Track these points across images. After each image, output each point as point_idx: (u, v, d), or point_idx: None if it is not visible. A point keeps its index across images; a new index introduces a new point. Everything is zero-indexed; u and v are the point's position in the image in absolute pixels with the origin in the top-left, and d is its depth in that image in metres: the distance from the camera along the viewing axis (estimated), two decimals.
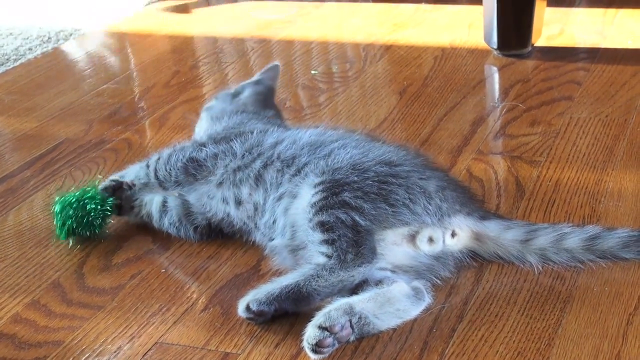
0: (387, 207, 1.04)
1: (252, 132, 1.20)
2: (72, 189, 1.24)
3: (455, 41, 1.93)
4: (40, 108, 1.75)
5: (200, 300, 1.07)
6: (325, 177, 1.07)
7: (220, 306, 1.06)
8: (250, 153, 1.16)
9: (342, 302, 0.96)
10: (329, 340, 0.92)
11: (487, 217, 1.10)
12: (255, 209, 1.14)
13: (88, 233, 1.21)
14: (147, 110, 1.70)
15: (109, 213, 1.22)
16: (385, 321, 0.97)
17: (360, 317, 0.95)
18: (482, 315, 1.01)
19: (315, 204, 1.05)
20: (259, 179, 1.14)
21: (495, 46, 1.80)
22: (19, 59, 2.04)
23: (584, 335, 0.96)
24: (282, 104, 1.68)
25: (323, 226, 1.03)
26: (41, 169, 1.47)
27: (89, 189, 1.22)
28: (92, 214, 1.19)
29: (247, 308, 0.99)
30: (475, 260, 1.08)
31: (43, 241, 1.23)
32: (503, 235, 1.08)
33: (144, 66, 1.97)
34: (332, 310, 0.95)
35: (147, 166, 1.23)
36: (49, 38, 2.16)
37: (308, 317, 1.00)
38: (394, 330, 0.99)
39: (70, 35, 2.18)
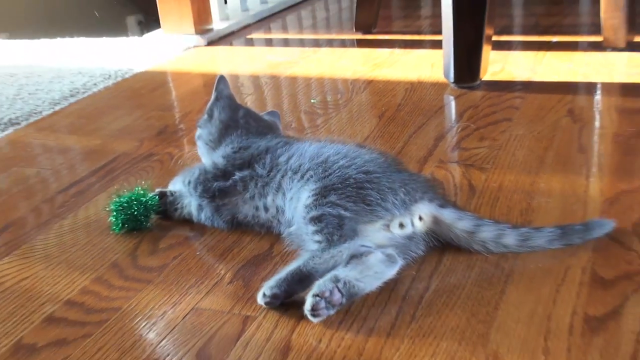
0: (364, 206, 1.04)
1: (265, 152, 1.18)
2: (125, 191, 1.22)
3: (421, 77, 1.93)
4: (102, 129, 1.74)
5: (226, 275, 1.07)
6: (319, 184, 1.07)
7: (242, 280, 1.05)
8: (271, 171, 1.15)
9: (329, 274, 0.95)
10: (322, 303, 0.92)
11: (446, 205, 1.08)
12: (277, 210, 1.14)
13: (135, 227, 1.20)
14: (185, 130, 1.70)
15: (151, 212, 1.21)
16: (368, 283, 0.96)
17: (345, 283, 0.94)
18: (444, 285, 1.00)
19: (308, 205, 1.06)
20: (279, 187, 1.13)
21: (452, 80, 1.80)
22: (87, 92, 2.03)
23: (522, 301, 0.95)
24: (288, 125, 1.67)
25: (314, 220, 1.03)
26: (103, 176, 1.46)
27: (138, 193, 1.21)
28: (136, 212, 1.19)
29: (263, 295, 0.97)
30: (439, 241, 1.07)
31: (105, 231, 1.23)
32: (455, 224, 1.06)
33: (183, 97, 1.97)
34: (322, 281, 0.94)
35: (189, 183, 1.21)
36: (110, 76, 2.15)
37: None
38: (376, 297, 0.98)
39: (126, 73, 2.18)
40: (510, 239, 1.05)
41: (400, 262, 1.00)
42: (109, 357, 0.91)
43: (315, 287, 0.94)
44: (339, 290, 0.93)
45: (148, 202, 1.21)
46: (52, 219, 1.29)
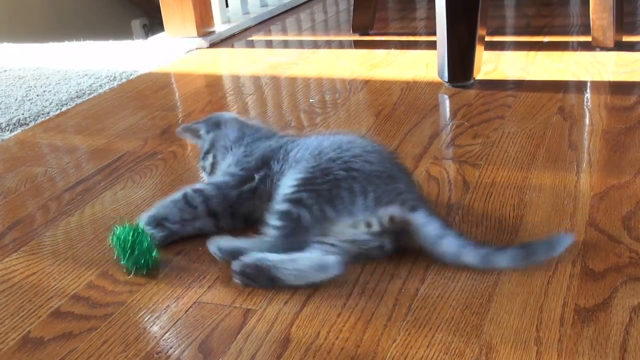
0: (330, 210, 1.00)
1: (278, 149, 1.15)
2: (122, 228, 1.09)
3: (417, 76, 1.92)
4: (108, 129, 1.74)
5: (227, 272, 1.06)
6: (302, 175, 1.04)
7: None
8: (283, 166, 1.12)
9: (262, 255, 0.99)
10: (238, 277, 0.99)
11: (417, 209, 1.01)
12: None
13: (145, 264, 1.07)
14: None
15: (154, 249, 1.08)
16: (286, 276, 0.98)
17: (263, 265, 0.98)
18: (439, 278, 1.00)
19: (284, 194, 1.03)
20: (283, 175, 1.11)
21: (446, 79, 1.79)
22: (92, 93, 2.03)
23: (515, 293, 0.95)
24: (288, 124, 1.67)
25: (278, 213, 1.02)
26: (109, 174, 1.46)
27: (136, 233, 1.06)
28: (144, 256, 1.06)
29: (214, 247, 1.05)
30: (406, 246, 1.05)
31: (111, 228, 1.21)
32: (421, 229, 1.00)
33: (185, 97, 1.96)
34: (246, 257, 1.00)
35: (189, 204, 1.13)
36: (115, 77, 2.15)
37: (310, 286, 0.99)
38: (373, 289, 0.98)
39: (131, 75, 2.17)
40: (470, 257, 0.99)
41: (333, 273, 0.98)
42: (114, 350, 0.90)
43: (240, 265, 0.99)
44: (257, 267, 0.98)
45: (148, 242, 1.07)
46: (60, 216, 1.29)
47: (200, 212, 1.13)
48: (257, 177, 1.13)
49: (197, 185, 1.16)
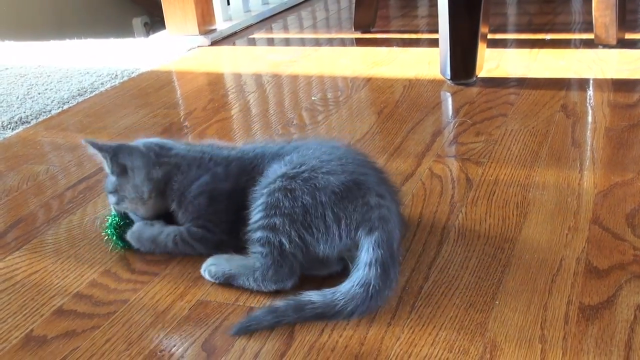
0: (308, 235, 0.96)
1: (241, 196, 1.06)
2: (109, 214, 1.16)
3: (419, 74, 1.92)
4: (109, 127, 1.73)
5: None
6: (265, 198, 0.98)
7: None
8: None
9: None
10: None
11: (374, 231, 0.95)
12: None
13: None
14: (190, 127, 1.69)
15: None
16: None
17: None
18: (443, 276, 0.99)
19: (255, 222, 0.98)
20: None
21: (448, 77, 1.79)
22: (94, 91, 2.02)
23: (519, 291, 0.95)
24: (290, 122, 1.66)
25: (258, 241, 0.97)
26: None
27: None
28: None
29: (205, 272, 1.02)
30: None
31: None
32: (360, 251, 0.95)
33: (187, 95, 1.96)
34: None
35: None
36: (116, 75, 2.14)
37: (311, 282, 0.99)
38: None
39: (132, 73, 2.17)
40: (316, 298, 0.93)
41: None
42: (117, 348, 0.90)
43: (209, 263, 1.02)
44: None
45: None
46: (62, 214, 1.28)
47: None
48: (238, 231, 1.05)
49: (184, 234, 1.08)
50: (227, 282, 1.00)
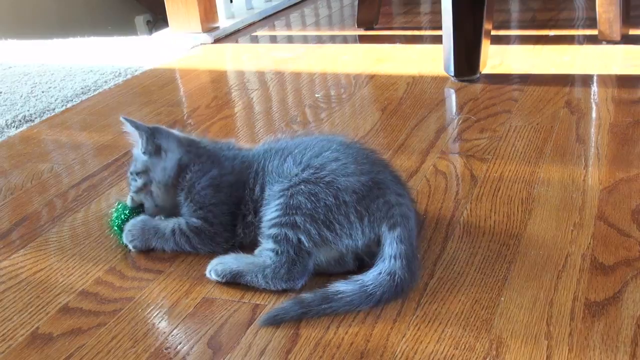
0: (329, 233, 0.97)
1: (241, 190, 1.09)
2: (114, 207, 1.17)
3: (422, 71, 1.92)
4: (113, 125, 1.73)
5: None
6: (283, 200, 0.99)
7: None
8: (254, 207, 1.08)
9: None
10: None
11: (396, 227, 0.97)
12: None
13: None
14: (194, 125, 1.69)
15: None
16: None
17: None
18: (448, 273, 0.99)
19: (272, 219, 0.99)
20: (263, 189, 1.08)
21: (452, 74, 1.79)
22: (98, 89, 2.02)
23: (524, 287, 0.95)
24: (294, 119, 1.66)
25: (273, 238, 0.98)
26: (115, 170, 1.46)
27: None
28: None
29: (210, 273, 1.01)
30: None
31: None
32: (383, 246, 0.97)
33: (191, 93, 1.96)
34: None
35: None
36: (120, 73, 2.14)
37: (318, 278, 0.99)
38: None
39: (136, 71, 2.17)
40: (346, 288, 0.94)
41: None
42: (123, 346, 0.90)
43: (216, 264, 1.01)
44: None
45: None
46: (66, 213, 1.28)
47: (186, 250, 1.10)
48: (237, 226, 1.08)
49: (183, 226, 1.09)
50: (233, 280, 1.00)
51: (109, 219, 1.16)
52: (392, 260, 0.94)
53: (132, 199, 1.15)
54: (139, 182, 1.13)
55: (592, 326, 0.86)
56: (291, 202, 0.98)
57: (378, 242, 0.98)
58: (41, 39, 2.72)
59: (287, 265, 0.97)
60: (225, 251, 1.06)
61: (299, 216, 0.97)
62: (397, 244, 0.96)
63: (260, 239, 1.02)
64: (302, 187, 0.99)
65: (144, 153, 1.12)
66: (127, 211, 1.14)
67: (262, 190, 1.05)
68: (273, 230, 0.98)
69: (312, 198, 0.98)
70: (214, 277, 1.01)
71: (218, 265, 1.01)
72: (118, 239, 1.13)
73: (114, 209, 1.16)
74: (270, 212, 1.00)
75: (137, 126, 1.13)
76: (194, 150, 1.13)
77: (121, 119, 1.14)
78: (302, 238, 0.97)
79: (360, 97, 1.78)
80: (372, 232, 0.98)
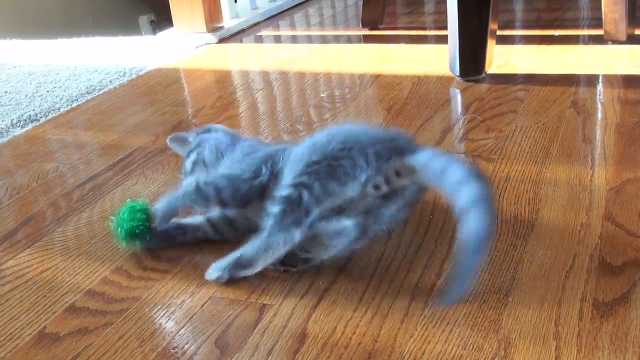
0: (333, 183, 0.98)
1: (272, 155, 1.12)
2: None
3: (428, 71, 1.91)
4: (118, 125, 1.73)
5: None
6: (299, 166, 1.02)
7: None
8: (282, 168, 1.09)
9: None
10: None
11: (419, 150, 0.99)
12: None
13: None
14: (199, 125, 1.69)
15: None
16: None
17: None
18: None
19: (284, 184, 1.01)
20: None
21: (457, 74, 1.78)
22: (102, 89, 2.03)
23: (532, 287, 0.94)
24: (298, 119, 1.66)
25: (279, 199, 0.99)
26: (120, 170, 1.46)
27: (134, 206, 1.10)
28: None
29: (210, 272, 1.01)
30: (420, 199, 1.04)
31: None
32: (427, 166, 0.98)
33: (195, 93, 1.96)
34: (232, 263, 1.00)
35: (202, 195, 1.09)
36: (124, 73, 2.14)
37: (322, 276, 0.99)
38: (389, 284, 0.97)
39: (140, 71, 2.17)
40: (464, 195, 0.92)
41: (354, 232, 0.98)
42: (130, 346, 0.90)
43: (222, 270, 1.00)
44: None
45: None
46: (71, 212, 1.28)
47: (212, 204, 1.10)
48: (265, 170, 1.09)
49: (208, 178, 1.11)
50: (237, 272, 0.99)
51: (116, 220, 1.11)
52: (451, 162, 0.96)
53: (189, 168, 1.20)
54: (193, 156, 1.20)
55: (601, 327, 0.86)
56: (304, 164, 1.01)
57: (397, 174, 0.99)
58: (45, 39, 2.73)
59: (279, 222, 0.97)
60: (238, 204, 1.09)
61: (306, 175, 0.99)
62: (437, 155, 0.98)
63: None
64: (319, 151, 1.02)
65: (197, 134, 1.24)
66: (137, 211, 1.09)
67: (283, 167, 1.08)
68: (281, 192, 1.00)
69: (322, 155, 1.00)
70: (213, 276, 1.00)
71: (218, 262, 1.01)
72: (124, 240, 1.10)
73: (122, 210, 1.11)
74: (285, 179, 1.02)
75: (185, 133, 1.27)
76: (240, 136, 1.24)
77: (168, 141, 1.28)
78: (304, 194, 0.97)
79: (365, 97, 1.78)
80: (379, 165, 0.98)
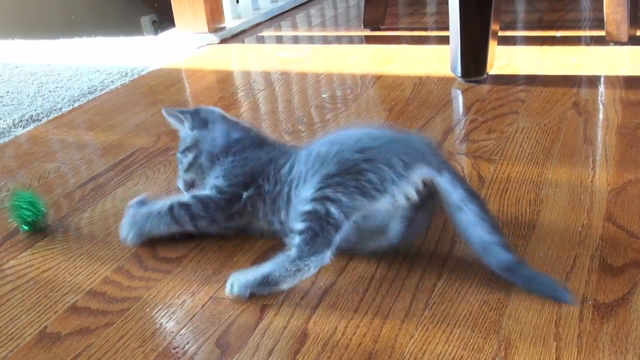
0: (361, 197, 0.96)
1: (268, 164, 1.10)
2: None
3: (429, 72, 1.91)
4: (120, 125, 1.74)
5: (244, 265, 1.06)
6: (318, 176, 1.00)
7: None
8: (277, 184, 1.08)
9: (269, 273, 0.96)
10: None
11: (442, 170, 0.98)
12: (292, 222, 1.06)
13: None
14: None
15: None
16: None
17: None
18: (456, 274, 0.99)
19: (307, 197, 0.98)
20: (289, 201, 1.06)
21: (459, 74, 1.79)
22: (104, 89, 2.03)
23: None
24: (300, 120, 1.66)
25: (303, 215, 0.97)
26: (122, 170, 1.46)
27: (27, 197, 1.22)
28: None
29: (231, 288, 0.98)
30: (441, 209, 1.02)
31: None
32: (446, 195, 0.98)
33: (197, 93, 1.96)
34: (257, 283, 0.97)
35: (176, 220, 1.11)
36: (126, 73, 2.15)
37: (323, 276, 0.99)
38: (390, 285, 0.98)
39: (142, 71, 2.17)
40: (478, 234, 0.95)
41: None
42: (131, 345, 0.90)
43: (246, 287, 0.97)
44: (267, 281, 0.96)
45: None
46: (72, 212, 1.29)
47: (186, 228, 1.11)
48: (244, 195, 1.08)
49: (184, 199, 1.11)
50: (260, 291, 0.97)
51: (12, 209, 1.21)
52: (467, 201, 0.96)
53: (184, 181, 1.20)
54: (190, 156, 1.18)
55: (601, 328, 0.86)
56: (322, 174, 0.99)
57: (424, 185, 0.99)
58: (47, 39, 2.73)
59: (312, 240, 0.95)
60: (218, 232, 1.10)
61: (329, 188, 0.97)
62: (458, 185, 0.97)
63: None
64: (332, 158, 1.01)
65: (192, 129, 1.19)
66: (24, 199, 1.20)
67: (291, 169, 1.07)
68: (305, 206, 0.97)
69: (339, 161, 0.99)
70: (235, 291, 0.97)
71: (240, 277, 0.98)
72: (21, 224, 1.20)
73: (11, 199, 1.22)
74: (304, 194, 1.00)
75: (180, 112, 1.20)
76: (240, 126, 1.20)
77: (163, 111, 1.22)
78: (332, 209, 0.96)
79: (367, 97, 1.78)
80: (408, 174, 0.97)
